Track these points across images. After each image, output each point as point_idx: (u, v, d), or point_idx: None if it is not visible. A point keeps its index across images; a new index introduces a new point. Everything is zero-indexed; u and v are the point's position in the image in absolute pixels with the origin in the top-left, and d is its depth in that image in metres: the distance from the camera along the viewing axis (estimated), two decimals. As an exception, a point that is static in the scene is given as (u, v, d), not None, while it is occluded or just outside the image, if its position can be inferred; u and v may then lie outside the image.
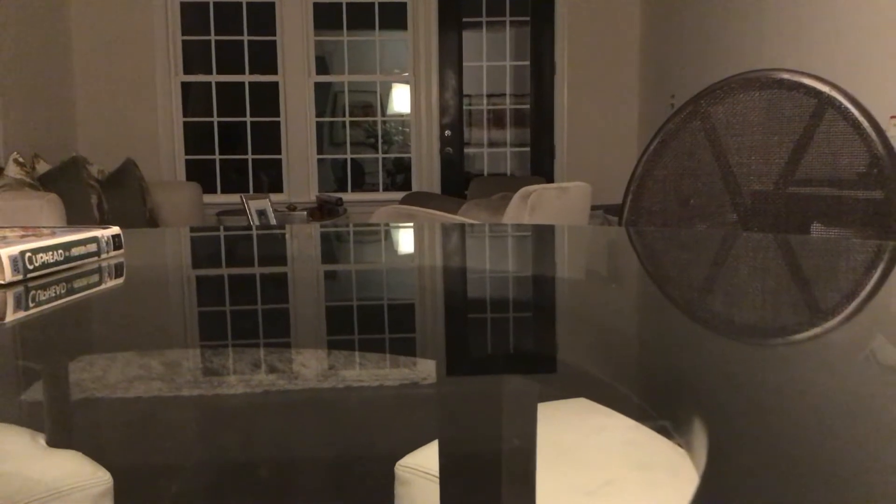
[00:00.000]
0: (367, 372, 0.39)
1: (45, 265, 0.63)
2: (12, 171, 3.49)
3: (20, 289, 0.59)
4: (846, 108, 1.04)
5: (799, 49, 3.36)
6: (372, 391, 0.36)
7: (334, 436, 0.31)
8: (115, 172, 4.34)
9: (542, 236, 0.99)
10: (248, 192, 5.51)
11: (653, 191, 1.21)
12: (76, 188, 3.60)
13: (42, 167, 3.87)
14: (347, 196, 5.45)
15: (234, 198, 5.20)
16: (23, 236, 0.65)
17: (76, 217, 3.45)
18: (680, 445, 0.29)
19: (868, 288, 0.60)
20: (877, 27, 2.81)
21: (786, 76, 1.09)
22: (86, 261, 0.70)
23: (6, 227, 0.71)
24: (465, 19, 5.56)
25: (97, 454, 0.29)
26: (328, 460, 0.29)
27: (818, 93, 1.07)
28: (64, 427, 0.33)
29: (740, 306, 0.55)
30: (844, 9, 3.01)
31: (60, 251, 0.64)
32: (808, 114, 1.07)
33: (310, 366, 0.40)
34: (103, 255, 0.72)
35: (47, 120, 4.74)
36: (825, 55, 3.14)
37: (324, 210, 4.74)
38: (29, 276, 0.61)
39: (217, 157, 5.52)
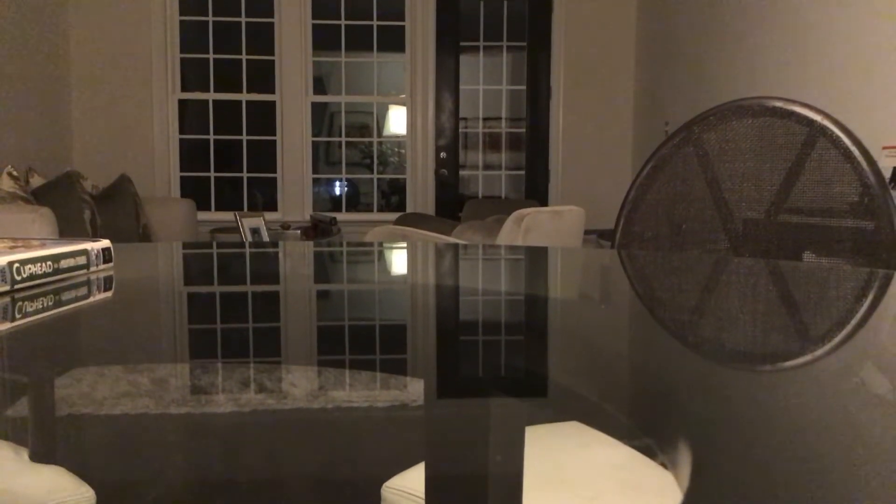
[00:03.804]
0: (356, 392, 0.39)
1: (32, 276, 0.62)
2: (6, 184, 3.49)
3: (7, 300, 0.58)
4: (838, 137, 1.04)
5: (792, 78, 3.40)
6: (360, 412, 0.36)
7: (321, 456, 0.31)
8: (109, 187, 4.34)
9: (535, 258, 0.99)
10: (242, 209, 5.51)
11: (645, 216, 1.21)
12: (69, 203, 3.59)
13: (36, 181, 3.87)
14: (341, 216, 5.45)
15: (228, 215, 5.20)
16: (12, 247, 0.65)
17: (69, 231, 3.44)
18: (665, 465, 0.29)
19: (858, 315, 0.60)
20: (869, 58, 2.85)
21: (778, 104, 1.10)
22: (75, 273, 0.69)
23: (-4, 239, 0.71)
24: (462, 43, 5.61)
25: (81, 470, 0.28)
26: (315, 481, 0.29)
27: (810, 121, 1.08)
28: (48, 442, 0.33)
29: (731, 331, 0.55)
30: (837, 39, 3.05)
31: (49, 263, 0.64)
32: (800, 142, 1.08)
33: (299, 385, 0.40)
34: (93, 269, 0.72)
35: (43, 134, 4.74)
36: (818, 84, 3.18)
37: (317, 229, 4.74)
38: (16, 287, 0.61)
39: (212, 174, 5.52)
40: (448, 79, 5.60)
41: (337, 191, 5.72)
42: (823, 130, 1.06)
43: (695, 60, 4.47)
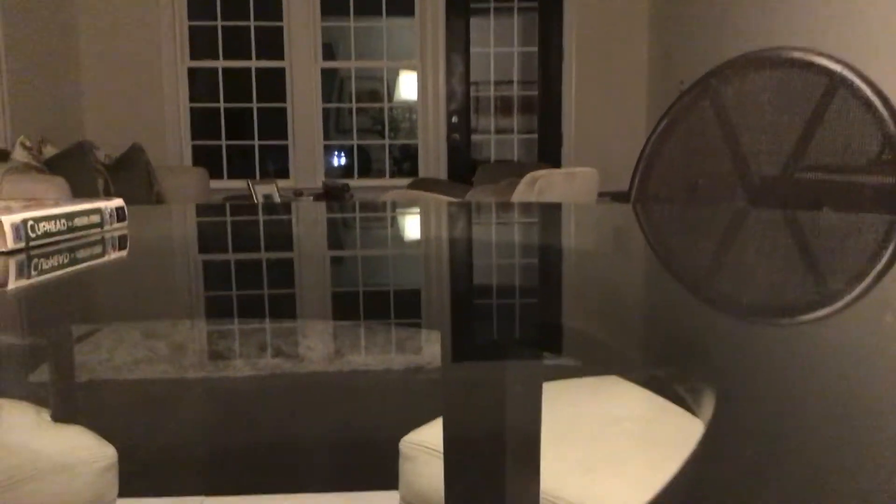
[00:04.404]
0: (372, 356, 0.38)
1: (47, 234, 0.62)
2: (19, 154, 3.50)
3: (22, 257, 0.59)
4: (858, 87, 1.02)
5: (810, 32, 3.33)
6: (378, 374, 0.35)
7: (340, 415, 0.31)
8: (122, 157, 4.34)
9: (550, 214, 0.98)
10: (254, 177, 5.51)
11: (661, 171, 1.20)
12: (83, 172, 3.61)
13: (49, 151, 3.87)
14: (354, 182, 5.44)
15: (240, 183, 5.19)
16: (26, 206, 0.65)
17: (83, 201, 3.45)
18: (687, 405, 0.29)
19: (879, 266, 0.59)
20: (891, 8, 2.78)
21: (797, 55, 1.08)
22: (89, 231, 0.69)
23: (11, 199, 0.71)
24: (472, 5, 5.53)
25: (102, 431, 0.29)
26: (335, 438, 0.29)
27: (830, 72, 1.05)
28: (69, 404, 0.33)
29: (751, 283, 0.54)
30: (856, -6, 2.98)
31: (63, 220, 0.64)
32: (820, 93, 1.06)
33: (316, 349, 0.40)
34: (106, 227, 0.72)
35: (55, 104, 4.74)
36: (837, 37, 3.11)
37: (330, 196, 4.73)
38: (31, 244, 0.61)
39: (224, 142, 5.51)
40: (458, 42, 5.53)
41: (337, 161, 5.70)
42: (843, 80, 1.04)
43: (710, 17, 4.39)
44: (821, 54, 1.07)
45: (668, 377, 0.33)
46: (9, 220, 0.58)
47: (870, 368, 0.31)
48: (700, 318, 0.42)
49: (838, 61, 1.05)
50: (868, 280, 0.52)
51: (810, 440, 0.23)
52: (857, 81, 1.02)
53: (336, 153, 5.70)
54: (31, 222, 0.60)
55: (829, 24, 3.17)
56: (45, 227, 0.61)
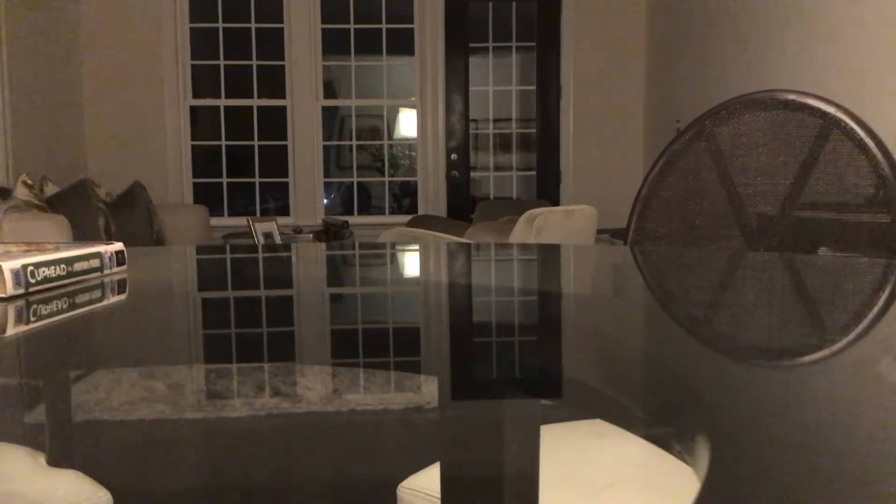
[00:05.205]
0: (371, 395, 0.38)
1: (47, 279, 0.62)
2: (20, 192, 3.52)
3: (21, 303, 0.59)
4: (852, 129, 1.03)
5: (804, 73, 3.37)
6: (376, 414, 0.35)
7: (337, 458, 0.31)
8: (123, 194, 4.37)
9: (548, 255, 0.98)
10: (254, 215, 5.53)
11: (658, 211, 1.20)
12: (84, 210, 3.62)
13: (50, 189, 3.90)
14: (353, 219, 5.46)
15: (240, 220, 5.22)
16: (26, 251, 0.65)
17: (83, 239, 3.46)
18: (685, 461, 0.29)
19: (876, 309, 0.59)
20: (882, 50, 2.82)
21: (791, 97, 1.09)
22: (88, 276, 0.69)
23: (10, 243, 0.71)
24: (471, 45, 5.61)
25: (98, 474, 0.28)
26: (331, 482, 0.29)
27: (824, 114, 1.07)
28: (65, 447, 0.33)
29: (747, 326, 0.54)
30: (850, 32, 3.03)
31: (63, 266, 0.64)
32: (814, 135, 1.07)
33: (314, 388, 0.40)
34: (106, 271, 0.72)
35: (56, 142, 4.78)
36: (830, 79, 3.15)
37: (330, 233, 4.75)
38: (31, 290, 0.61)
39: (224, 180, 5.54)
40: (458, 80, 5.60)
41: (337, 198, 5.73)
42: (837, 122, 1.05)
43: (706, 58, 4.45)
44: (814, 97, 1.08)
45: (664, 435, 0.33)
46: (8, 266, 0.58)
47: (867, 415, 0.31)
48: (696, 365, 0.42)
49: (831, 103, 1.07)
50: (865, 323, 0.52)
51: (809, 488, 0.23)
52: (851, 123, 1.04)
53: (336, 190, 5.73)
54: (30, 268, 0.60)
55: (825, 68, 3.22)
56: (44, 272, 0.62)
